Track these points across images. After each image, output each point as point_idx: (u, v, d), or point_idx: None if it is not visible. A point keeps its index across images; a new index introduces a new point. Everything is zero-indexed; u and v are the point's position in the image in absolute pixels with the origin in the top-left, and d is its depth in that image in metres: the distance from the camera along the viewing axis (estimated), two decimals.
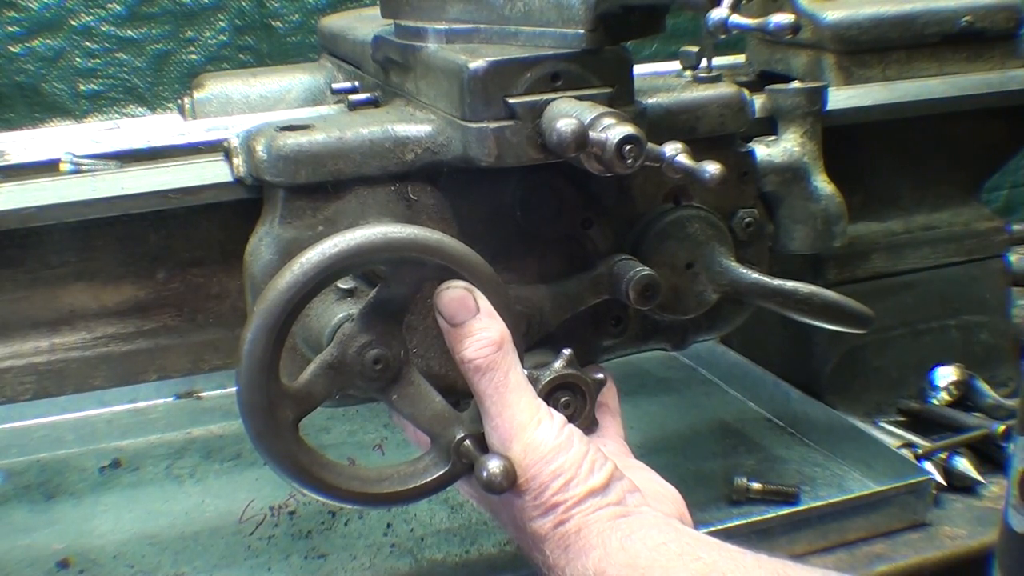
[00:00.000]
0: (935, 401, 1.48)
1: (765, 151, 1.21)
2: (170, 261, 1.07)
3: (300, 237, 0.99)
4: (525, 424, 0.89)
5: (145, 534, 1.32)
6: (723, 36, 0.96)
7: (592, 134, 0.89)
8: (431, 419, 0.93)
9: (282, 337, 0.86)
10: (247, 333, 0.85)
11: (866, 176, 1.45)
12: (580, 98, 0.94)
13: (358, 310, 0.92)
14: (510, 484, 0.87)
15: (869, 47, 1.46)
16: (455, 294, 0.91)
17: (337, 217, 1.00)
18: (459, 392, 0.96)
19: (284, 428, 0.87)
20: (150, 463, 1.50)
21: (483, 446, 0.91)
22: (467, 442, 0.92)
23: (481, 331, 0.90)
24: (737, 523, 1.20)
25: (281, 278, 0.86)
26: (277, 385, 0.87)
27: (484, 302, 0.91)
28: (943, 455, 1.34)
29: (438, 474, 0.93)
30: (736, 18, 0.94)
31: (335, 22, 1.49)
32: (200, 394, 1.69)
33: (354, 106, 1.22)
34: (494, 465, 0.87)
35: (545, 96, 0.95)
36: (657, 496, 0.95)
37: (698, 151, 0.94)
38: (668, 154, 0.92)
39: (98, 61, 2.00)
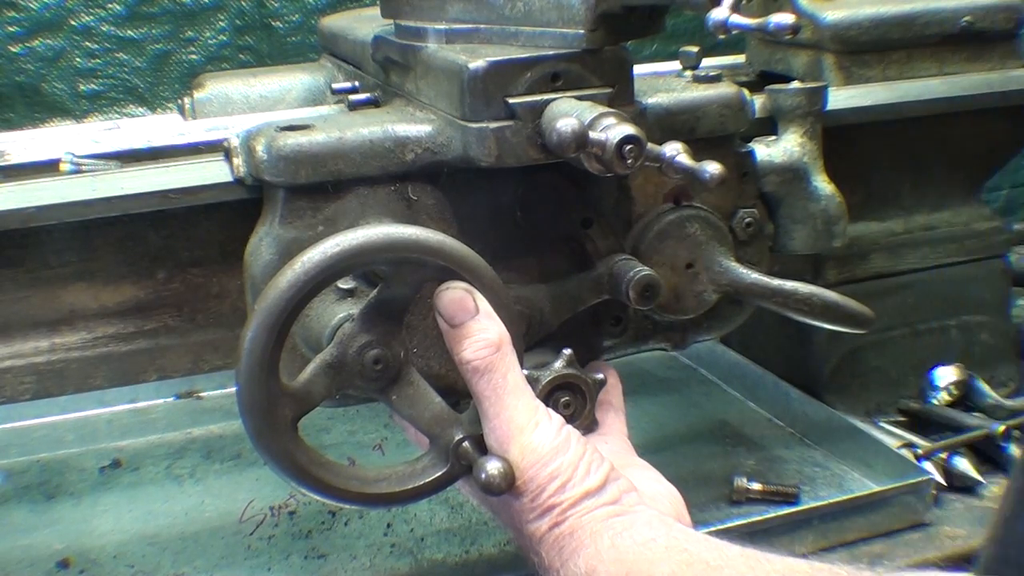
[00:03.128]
0: (935, 401, 1.48)
1: (765, 151, 1.21)
2: (170, 261, 1.07)
3: (300, 237, 0.99)
4: (523, 426, 0.89)
5: (145, 534, 1.32)
6: (723, 36, 0.96)
7: (592, 134, 0.89)
8: (430, 420, 0.93)
9: (282, 336, 0.86)
10: (247, 332, 0.85)
11: (866, 176, 1.45)
12: (580, 98, 0.94)
13: (358, 310, 0.92)
14: (508, 486, 0.87)
15: (869, 47, 1.47)
16: (454, 295, 0.91)
17: (337, 217, 1.00)
18: (459, 393, 0.96)
19: (283, 427, 0.87)
20: (150, 463, 1.50)
21: (482, 447, 0.91)
22: (466, 443, 0.92)
23: (480, 332, 0.90)
24: (737, 523, 1.20)
25: (282, 276, 0.86)
26: (277, 384, 0.87)
27: (483, 303, 0.91)
28: (943, 455, 1.34)
29: (436, 475, 0.93)
30: (736, 18, 0.94)
31: (335, 22, 1.49)
32: (200, 394, 1.69)
33: (354, 106, 1.22)
34: (492, 467, 0.87)
35: (545, 96, 0.95)
36: (655, 495, 0.95)
37: (698, 151, 0.94)
38: (668, 154, 0.92)
39: (98, 61, 2.00)
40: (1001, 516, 0.77)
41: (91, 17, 1.98)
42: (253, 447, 0.88)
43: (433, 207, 1.03)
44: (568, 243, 1.09)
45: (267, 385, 0.86)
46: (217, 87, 1.48)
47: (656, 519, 0.88)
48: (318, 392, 0.90)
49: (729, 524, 1.20)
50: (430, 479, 0.93)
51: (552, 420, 0.91)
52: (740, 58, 1.68)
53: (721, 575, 0.81)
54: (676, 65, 1.38)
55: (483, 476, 0.87)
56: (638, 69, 1.02)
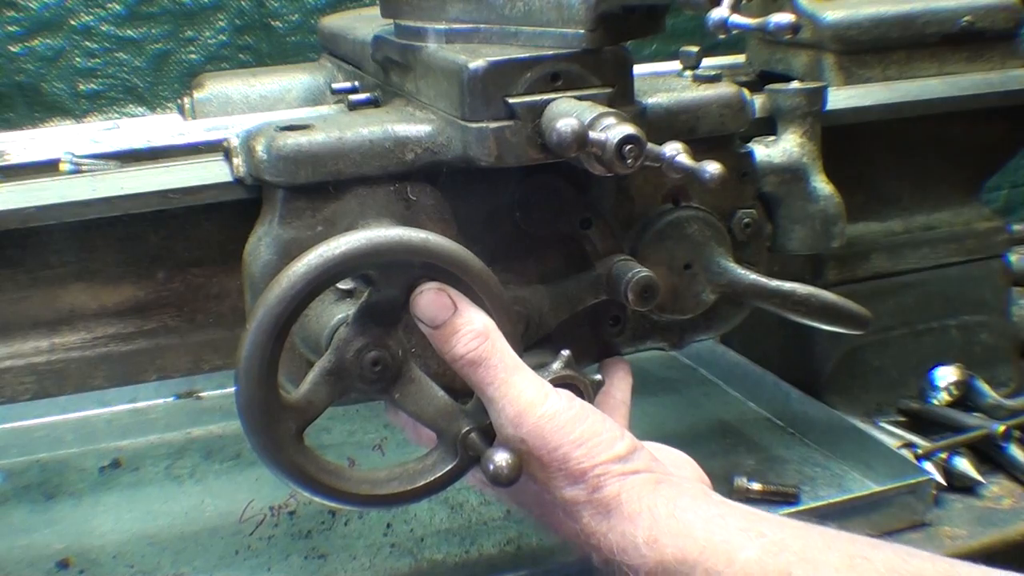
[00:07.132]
0: (935, 401, 1.48)
1: (765, 151, 1.21)
2: (170, 261, 1.07)
3: (300, 237, 0.99)
4: (534, 400, 0.88)
5: (145, 534, 1.32)
6: (723, 36, 0.96)
7: (592, 134, 0.89)
8: (435, 414, 0.93)
9: (277, 350, 0.85)
10: (242, 351, 0.85)
11: (866, 176, 1.45)
12: (580, 98, 0.94)
13: (351, 314, 0.92)
14: (516, 476, 0.86)
15: (869, 47, 1.47)
16: (429, 297, 0.89)
17: (336, 217, 1.00)
18: (457, 392, 0.96)
19: (288, 441, 0.87)
20: (150, 463, 1.50)
21: (489, 438, 0.91)
22: (473, 434, 0.91)
23: (465, 326, 0.89)
24: None
25: (270, 292, 0.85)
26: (277, 399, 0.86)
27: (460, 297, 0.90)
28: (943, 455, 1.34)
29: (447, 468, 0.93)
30: (736, 18, 0.94)
31: (335, 22, 1.49)
32: (200, 394, 1.69)
33: (354, 106, 1.22)
34: (500, 457, 0.86)
35: (545, 96, 0.95)
36: (675, 462, 0.95)
37: (698, 151, 0.94)
38: (668, 154, 0.92)
39: (98, 61, 2.00)
40: None
41: (91, 17, 1.98)
42: (261, 462, 0.88)
43: (432, 207, 1.03)
44: (567, 243, 1.09)
45: (267, 401, 0.85)
46: (217, 87, 1.48)
47: (702, 492, 0.88)
48: (320, 401, 0.90)
49: None
50: (441, 473, 0.93)
51: (561, 394, 0.90)
52: (740, 58, 1.68)
53: (817, 571, 0.78)
54: (676, 65, 1.38)
55: (491, 467, 0.86)
56: (638, 69, 1.02)
